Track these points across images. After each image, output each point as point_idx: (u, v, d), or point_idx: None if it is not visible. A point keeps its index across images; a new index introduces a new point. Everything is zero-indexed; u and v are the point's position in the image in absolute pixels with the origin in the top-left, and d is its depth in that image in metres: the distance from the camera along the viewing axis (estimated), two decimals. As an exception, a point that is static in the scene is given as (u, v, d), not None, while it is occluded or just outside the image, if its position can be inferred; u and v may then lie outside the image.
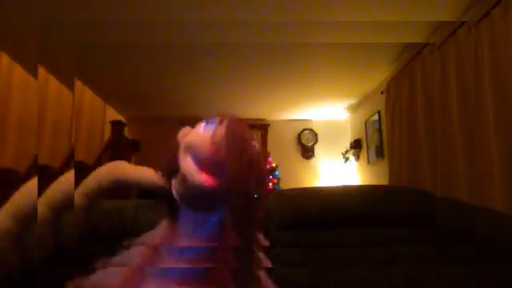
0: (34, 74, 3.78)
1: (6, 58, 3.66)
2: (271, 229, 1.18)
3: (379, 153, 4.42)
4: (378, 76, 4.22)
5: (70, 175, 0.98)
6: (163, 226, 0.83)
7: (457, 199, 1.79)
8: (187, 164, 0.71)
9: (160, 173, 0.80)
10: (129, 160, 5.02)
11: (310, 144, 5.74)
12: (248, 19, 2.88)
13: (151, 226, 1.09)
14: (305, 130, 5.77)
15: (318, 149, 5.75)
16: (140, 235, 0.87)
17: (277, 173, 5.00)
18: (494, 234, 1.15)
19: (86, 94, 4.72)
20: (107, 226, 1.16)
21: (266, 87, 4.52)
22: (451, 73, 2.82)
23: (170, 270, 0.75)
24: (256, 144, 0.78)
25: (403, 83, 3.61)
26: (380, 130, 4.41)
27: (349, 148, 5.39)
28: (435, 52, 3.07)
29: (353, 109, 5.33)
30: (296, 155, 5.76)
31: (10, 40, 3.28)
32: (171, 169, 0.75)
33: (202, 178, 0.68)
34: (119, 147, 4.64)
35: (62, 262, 1.06)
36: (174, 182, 0.77)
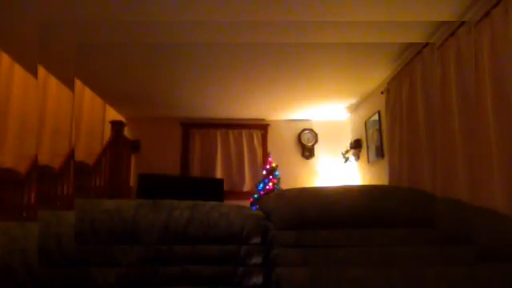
0: (34, 73, 3.78)
1: (6, 58, 3.66)
2: (271, 229, 1.18)
3: (379, 153, 4.42)
4: (378, 76, 4.22)
5: None
6: None
7: (457, 199, 1.79)
8: None
9: None
10: (129, 160, 5.02)
11: (310, 144, 5.74)
12: (248, 19, 2.88)
13: (152, 226, 1.09)
14: (305, 129, 5.77)
15: (317, 149, 5.75)
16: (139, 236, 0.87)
17: (277, 173, 4.99)
18: (493, 234, 1.15)
19: (86, 94, 4.73)
20: (107, 226, 1.16)
21: (266, 87, 4.52)
22: (451, 73, 2.82)
23: None
24: None
25: (403, 83, 3.61)
26: (380, 129, 4.41)
27: (349, 148, 5.39)
28: (435, 52, 3.07)
29: (353, 109, 5.33)
30: (296, 155, 5.76)
31: (10, 40, 3.28)
32: None
33: None
34: (119, 147, 4.65)
35: (61, 262, 1.06)
36: None
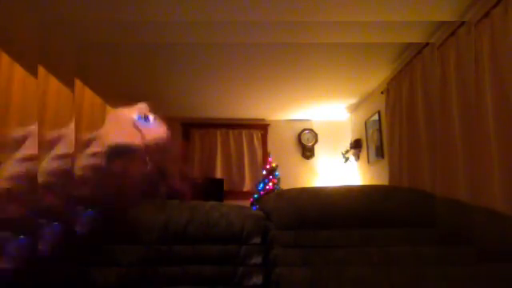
0: (34, 73, 3.78)
1: (5, 58, 3.66)
2: (271, 229, 1.18)
3: (379, 153, 4.42)
4: (378, 76, 4.21)
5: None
6: None
7: (457, 199, 1.79)
8: None
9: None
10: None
11: (310, 144, 5.74)
12: (248, 19, 2.88)
13: (152, 226, 1.09)
14: (305, 129, 5.77)
15: (318, 149, 5.75)
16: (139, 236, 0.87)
17: (277, 173, 4.99)
18: (494, 234, 1.15)
19: (86, 94, 4.72)
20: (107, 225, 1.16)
21: (266, 87, 4.52)
22: (451, 73, 2.82)
23: None
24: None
25: (403, 83, 3.61)
26: (380, 130, 4.41)
27: (349, 148, 5.39)
28: (435, 52, 3.07)
29: (353, 109, 5.33)
30: (296, 155, 5.76)
31: (10, 40, 3.28)
32: None
33: None
34: (119, 147, 4.64)
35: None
36: None
